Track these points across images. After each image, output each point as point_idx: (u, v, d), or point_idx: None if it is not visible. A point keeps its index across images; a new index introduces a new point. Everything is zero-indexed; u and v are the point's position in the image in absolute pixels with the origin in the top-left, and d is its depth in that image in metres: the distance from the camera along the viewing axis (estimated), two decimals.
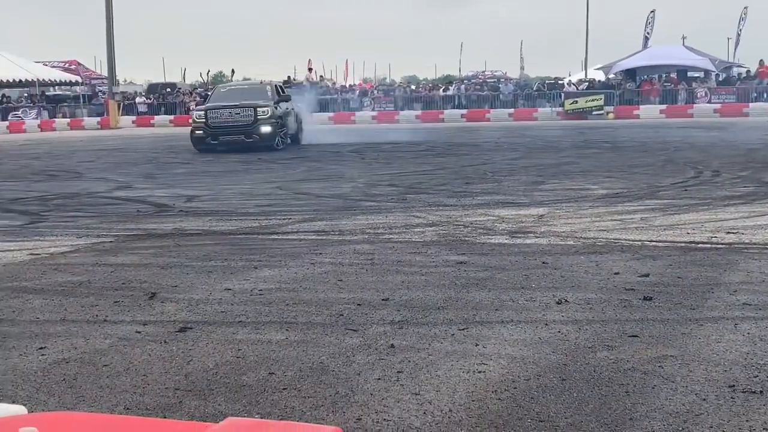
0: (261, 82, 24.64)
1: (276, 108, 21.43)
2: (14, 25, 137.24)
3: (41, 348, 4.43)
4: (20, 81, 40.11)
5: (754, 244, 6.99)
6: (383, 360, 4.13)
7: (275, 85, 23.50)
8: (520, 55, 61.17)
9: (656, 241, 7.19)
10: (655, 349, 4.22)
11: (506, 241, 7.37)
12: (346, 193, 11.66)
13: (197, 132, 21.11)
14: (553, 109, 37.29)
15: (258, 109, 20.80)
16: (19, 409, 1.40)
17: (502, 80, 48.43)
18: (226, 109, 21.01)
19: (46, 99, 44.32)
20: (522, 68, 61.40)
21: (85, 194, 12.21)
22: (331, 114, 39.00)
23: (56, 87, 47.91)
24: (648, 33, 45.39)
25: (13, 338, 4.62)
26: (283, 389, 3.75)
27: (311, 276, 6.07)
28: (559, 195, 10.75)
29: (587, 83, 41.11)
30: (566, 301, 5.20)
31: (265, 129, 20.76)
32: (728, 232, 7.51)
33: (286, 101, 22.98)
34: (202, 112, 21.37)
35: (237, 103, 21.09)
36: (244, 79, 28.49)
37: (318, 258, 6.73)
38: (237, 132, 20.65)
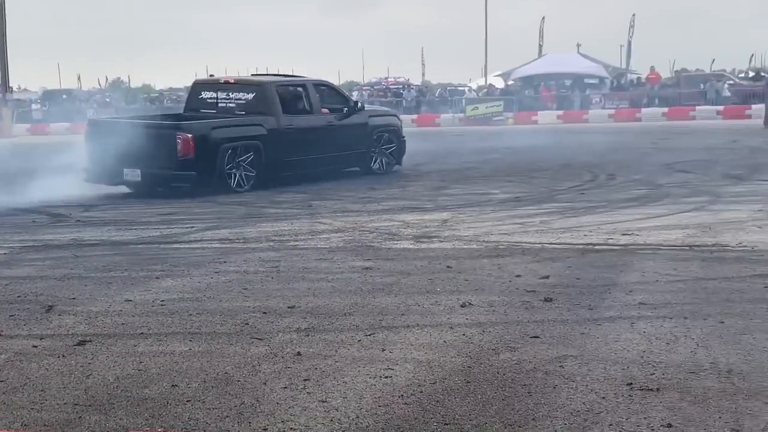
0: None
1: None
2: None
3: None
4: None
5: (648, 245, 7.23)
6: (290, 368, 4.10)
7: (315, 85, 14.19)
8: (421, 62, 61.65)
9: (555, 244, 7.36)
10: (556, 350, 4.32)
11: (411, 246, 7.43)
12: (251, 200, 11.55)
13: None
14: (455, 115, 37.82)
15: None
16: None
17: (405, 87, 48.82)
18: None
19: None
20: (423, 75, 61.91)
21: None
22: None
23: None
24: (541, 42, 46.71)
25: None
26: (187, 401, 3.69)
27: (215, 285, 5.99)
28: (462, 200, 10.90)
29: (486, 90, 41.88)
30: (470, 304, 5.27)
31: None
32: (623, 234, 7.74)
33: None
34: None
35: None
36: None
37: (222, 266, 6.65)
38: None
